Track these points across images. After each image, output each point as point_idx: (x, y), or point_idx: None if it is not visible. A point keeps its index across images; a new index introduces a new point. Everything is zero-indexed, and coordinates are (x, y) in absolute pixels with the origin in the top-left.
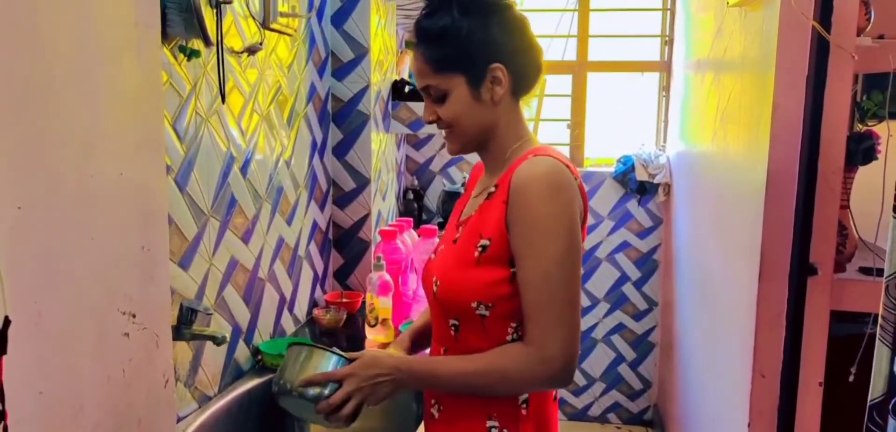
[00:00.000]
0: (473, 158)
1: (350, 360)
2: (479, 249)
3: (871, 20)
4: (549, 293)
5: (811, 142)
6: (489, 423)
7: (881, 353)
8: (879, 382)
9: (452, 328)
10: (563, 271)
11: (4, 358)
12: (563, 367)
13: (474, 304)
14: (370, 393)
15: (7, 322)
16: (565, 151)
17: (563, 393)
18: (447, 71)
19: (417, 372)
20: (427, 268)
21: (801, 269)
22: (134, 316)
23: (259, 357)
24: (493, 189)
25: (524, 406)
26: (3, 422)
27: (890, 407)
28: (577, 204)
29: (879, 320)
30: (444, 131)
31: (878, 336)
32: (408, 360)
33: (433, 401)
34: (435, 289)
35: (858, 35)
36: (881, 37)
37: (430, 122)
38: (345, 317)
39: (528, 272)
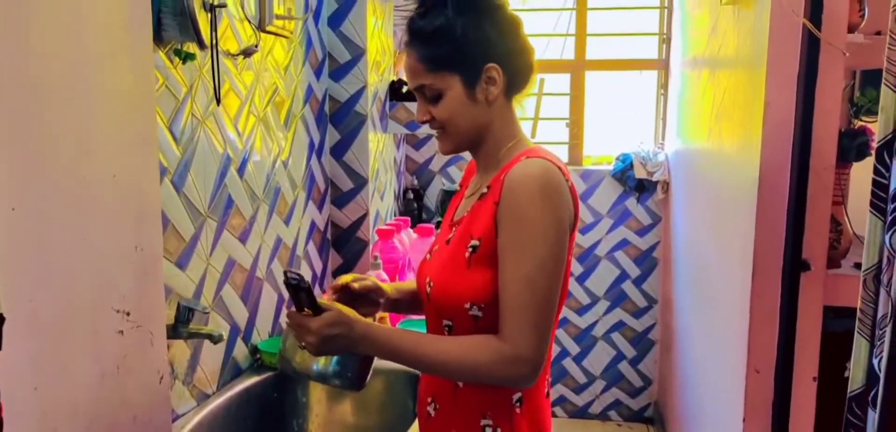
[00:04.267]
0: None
1: (323, 309)
2: (470, 249)
3: (866, 16)
4: (530, 295)
5: (803, 139)
6: (483, 422)
7: (860, 345)
8: (858, 374)
9: (446, 328)
10: (545, 275)
11: (0, 354)
12: (531, 371)
13: (467, 306)
14: (320, 346)
15: (1, 319)
16: (564, 150)
17: (563, 390)
18: (442, 70)
19: (376, 342)
20: (421, 269)
21: (794, 265)
22: (128, 314)
23: (257, 355)
24: (485, 190)
25: (518, 404)
26: None
27: (869, 398)
28: (568, 208)
29: (858, 313)
30: (436, 131)
31: (856, 328)
32: (368, 328)
33: (429, 400)
34: (429, 289)
35: (852, 31)
36: (878, 33)
37: (424, 122)
38: None
39: (510, 271)
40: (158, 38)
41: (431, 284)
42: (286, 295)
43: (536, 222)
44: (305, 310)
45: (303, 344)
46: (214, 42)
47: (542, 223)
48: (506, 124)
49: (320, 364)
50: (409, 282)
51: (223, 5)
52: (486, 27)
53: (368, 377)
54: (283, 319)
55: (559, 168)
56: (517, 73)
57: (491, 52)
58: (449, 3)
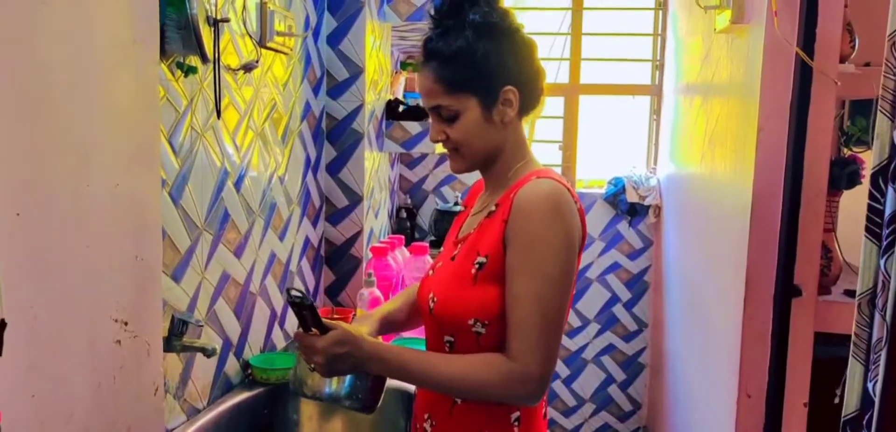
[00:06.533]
0: (467, 178)
1: (328, 328)
2: (477, 266)
3: (856, 47)
4: (539, 313)
5: (795, 166)
6: None
7: (854, 370)
8: (853, 398)
9: (447, 344)
10: (555, 293)
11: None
12: (538, 388)
13: (471, 322)
14: (328, 366)
15: (3, 324)
16: (557, 172)
17: (552, 413)
18: (460, 92)
19: (386, 361)
20: (424, 285)
21: (786, 291)
22: (126, 324)
23: (249, 371)
24: (493, 208)
25: (516, 423)
26: None
27: (864, 422)
28: (577, 228)
29: (852, 337)
30: (449, 150)
31: (851, 353)
32: (376, 347)
33: (426, 416)
34: (431, 305)
35: (843, 62)
36: (867, 64)
37: (438, 141)
38: None
39: (520, 289)
40: (161, 51)
41: (435, 299)
42: (279, 311)
43: (548, 241)
44: (312, 329)
45: (312, 365)
46: (217, 56)
47: (553, 242)
48: (517, 145)
49: (332, 386)
50: (390, 303)
51: (226, 20)
52: (504, 50)
53: (381, 399)
54: (276, 335)
55: (567, 189)
56: (530, 95)
57: (508, 74)
58: (468, 25)
